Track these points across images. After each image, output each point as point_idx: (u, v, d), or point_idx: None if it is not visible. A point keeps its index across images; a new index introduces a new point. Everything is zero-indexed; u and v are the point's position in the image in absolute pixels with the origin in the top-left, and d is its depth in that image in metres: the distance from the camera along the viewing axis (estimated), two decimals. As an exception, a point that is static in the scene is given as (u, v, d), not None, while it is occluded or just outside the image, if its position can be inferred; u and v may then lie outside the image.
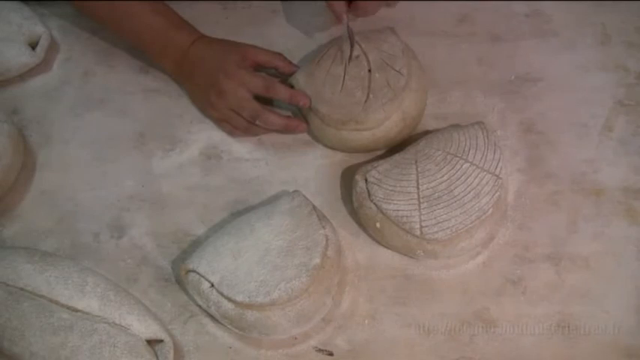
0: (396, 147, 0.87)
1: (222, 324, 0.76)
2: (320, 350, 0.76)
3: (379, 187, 0.79)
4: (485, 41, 0.97)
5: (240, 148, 0.89)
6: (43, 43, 0.94)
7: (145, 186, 0.87)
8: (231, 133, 0.90)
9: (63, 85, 0.95)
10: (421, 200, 0.78)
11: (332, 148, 0.89)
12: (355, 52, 0.87)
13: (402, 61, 0.86)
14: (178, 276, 0.79)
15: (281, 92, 0.86)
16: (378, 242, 0.82)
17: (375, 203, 0.79)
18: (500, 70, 0.95)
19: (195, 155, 0.89)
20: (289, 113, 0.91)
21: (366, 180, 0.81)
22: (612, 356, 0.75)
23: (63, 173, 0.88)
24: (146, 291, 0.79)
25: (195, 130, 0.91)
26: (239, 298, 0.72)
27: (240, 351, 0.76)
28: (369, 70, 0.86)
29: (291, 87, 0.89)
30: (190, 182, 0.87)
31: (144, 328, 0.72)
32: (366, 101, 0.84)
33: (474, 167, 0.79)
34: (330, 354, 0.76)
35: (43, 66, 0.95)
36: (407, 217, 0.77)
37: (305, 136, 0.90)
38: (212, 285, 0.73)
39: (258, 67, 0.88)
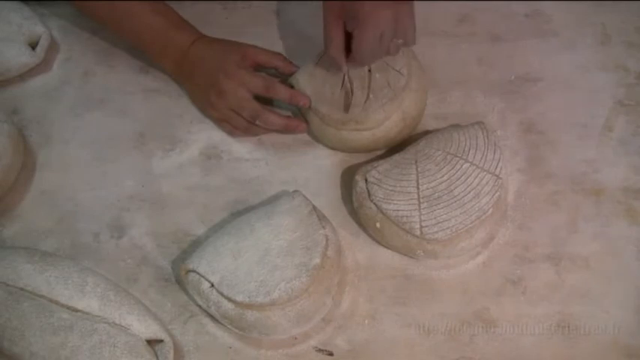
0: (396, 147, 0.87)
1: (222, 324, 0.76)
2: (320, 350, 0.76)
3: (379, 187, 0.79)
4: (485, 41, 0.97)
5: (240, 148, 0.89)
6: (43, 43, 0.94)
7: (145, 186, 0.87)
8: (231, 133, 0.90)
9: (63, 85, 0.95)
10: (421, 200, 0.78)
11: (332, 148, 0.89)
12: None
13: (402, 61, 0.86)
14: (178, 276, 0.79)
15: (281, 92, 0.86)
16: (378, 242, 0.82)
17: (375, 203, 0.79)
18: (500, 70, 0.95)
19: (195, 155, 0.89)
20: (289, 113, 0.91)
21: (366, 180, 0.81)
22: (612, 356, 0.75)
23: (63, 173, 0.88)
24: (146, 291, 0.79)
25: (195, 130, 0.91)
26: (239, 298, 0.72)
27: (240, 351, 0.76)
28: (369, 70, 0.85)
29: (291, 87, 0.89)
30: (190, 182, 0.87)
31: (144, 328, 0.72)
32: (366, 101, 0.84)
33: (474, 167, 0.79)
34: (330, 354, 0.76)
35: (43, 66, 0.95)
36: (407, 217, 0.77)
37: (305, 136, 0.90)
38: (212, 285, 0.73)
39: (258, 67, 0.88)
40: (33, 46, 0.94)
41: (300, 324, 0.74)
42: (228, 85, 0.85)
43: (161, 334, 0.73)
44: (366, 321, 0.78)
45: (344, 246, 0.80)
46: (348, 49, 0.80)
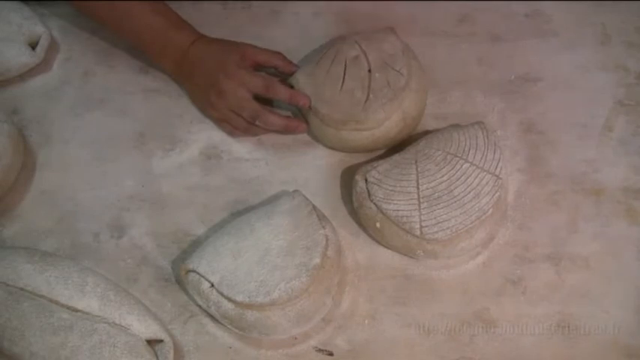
0: (396, 147, 0.87)
1: (222, 324, 0.76)
2: (320, 350, 0.76)
3: (379, 187, 0.79)
4: (485, 41, 0.97)
5: (240, 148, 0.89)
6: (43, 43, 0.94)
7: (145, 186, 0.87)
8: (231, 134, 0.90)
9: (63, 85, 0.95)
10: (421, 200, 0.78)
11: (332, 148, 0.89)
12: (355, 53, 0.87)
13: (402, 61, 0.86)
14: (178, 276, 0.79)
15: (281, 92, 0.86)
16: (378, 242, 0.82)
17: (375, 203, 0.79)
18: (500, 70, 0.95)
19: (195, 155, 0.89)
20: (289, 113, 0.91)
21: (366, 180, 0.81)
22: (612, 356, 0.75)
23: (63, 173, 0.88)
24: (146, 291, 0.79)
25: (195, 130, 0.91)
26: (239, 298, 0.72)
27: (240, 351, 0.76)
28: (369, 70, 0.85)
29: (291, 87, 0.89)
30: (190, 182, 0.87)
31: (144, 328, 0.72)
32: (366, 101, 0.84)
33: (474, 167, 0.79)
34: (330, 354, 0.76)
35: (43, 66, 0.95)
36: (407, 217, 0.77)
37: (305, 136, 0.90)
38: (212, 285, 0.73)
39: (257, 67, 0.88)
40: (33, 46, 0.94)
41: (300, 324, 0.74)
42: (228, 85, 0.85)
43: (161, 334, 0.73)
44: (366, 321, 0.78)
45: (344, 246, 0.80)
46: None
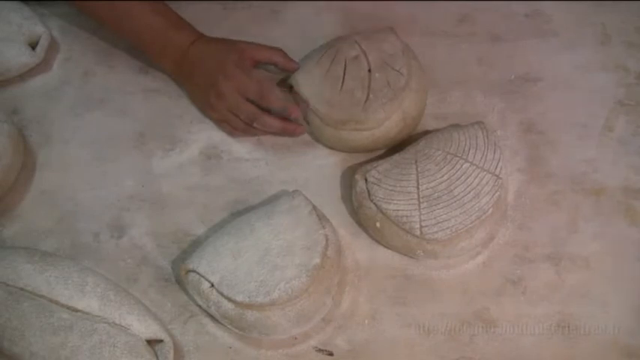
0: (396, 147, 0.87)
1: (222, 324, 0.76)
2: (320, 350, 0.76)
3: (379, 186, 0.79)
4: (485, 41, 0.97)
5: (240, 148, 0.89)
6: (43, 43, 0.94)
7: (145, 186, 0.87)
8: (230, 134, 0.90)
9: (63, 85, 0.95)
10: (421, 200, 0.78)
11: (332, 148, 0.89)
12: (354, 52, 0.87)
13: (402, 60, 0.86)
14: (178, 276, 0.79)
15: (274, 102, 0.86)
16: (378, 242, 0.82)
17: (375, 203, 0.79)
18: (500, 70, 0.95)
19: (195, 155, 0.89)
20: None
21: (366, 180, 0.81)
22: (612, 356, 0.75)
23: (63, 173, 0.88)
24: (146, 291, 0.79)
25: (195, 130, 0.91)
26: (239, 298, 0.72)
27: (240, 351, 0.76)
28: (369, 70, 0.86)
29: (291, 87, 0.89)
30: (190, 182, 0.87)
31: (144, 328, 0.72)
32: (366, 101, 0.84)
33: (474, 167, 0.79)
34: (330, 354, 0.76)
35: (43, 66, 0.95)
36: (407, 217, 0.77)
37: (305, 136, 0.90)
38: (212, 285, 0.73)
39: (258, 64, 0.88)
40: (33, 46, 0.94)
41: (300, 324, 0.74)
42: (227, 87, 0.85)
43: (161, 334, 0.73)
44: (366, 321, 0.78)
45: (344, 246, 0.80)
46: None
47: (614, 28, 0.98)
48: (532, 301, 0.78)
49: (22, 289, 0.72)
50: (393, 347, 0.76)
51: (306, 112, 0.87)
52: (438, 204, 0.77)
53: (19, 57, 0.92)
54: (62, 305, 0.71)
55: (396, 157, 0.83)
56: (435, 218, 0.77)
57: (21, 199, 0.86)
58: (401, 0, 0.94)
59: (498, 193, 0.78)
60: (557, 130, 0.90)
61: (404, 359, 0.75)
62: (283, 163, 0.88)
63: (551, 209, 0.84)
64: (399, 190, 0.79)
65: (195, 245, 0.81)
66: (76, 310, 0.71)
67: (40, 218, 0.85)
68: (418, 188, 0.79)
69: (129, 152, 0.89)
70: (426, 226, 0.77)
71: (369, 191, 0.80)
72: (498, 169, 0.79)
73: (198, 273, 0.74)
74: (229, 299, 0.72)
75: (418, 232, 0.77)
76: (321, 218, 0.77)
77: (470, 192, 0.78)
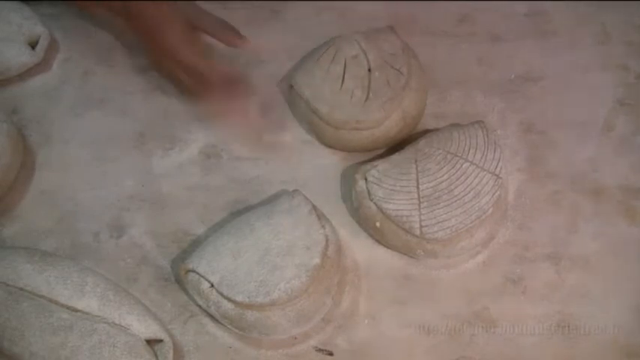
0: (396, 146, 0.86)
1: (222, 324, 0.76)
2: (320, 350, 0.76)
3: (379, 186, 0.79)
4: (485, 41, 0.97)
5: (240, 147, 0.89)
6: (43, 43, 0.94)
7: (145, 186, 0.87)
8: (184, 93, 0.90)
9: (63, 84, 0.95)
10: (421, 200, 0.78)
11: (332, 147, 0.89)
12: (354, 52, 0.87)
13: (401, 60, 0.86)
14: (178, 276, 0.79)
15: (217, 87, 0.84)
16: (378, 242, 0.82)
17: (374, 203, 0.79)
18: (500, 70, 0.95)
19: (195, 154, 0.89)
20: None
21: (365, 179, 0.81)
22: (612, 356, 0.75)
23: (63, 173, 0.88)
24: (146, 291, 0.79)
25: (194, 129, 0.91)
26: (239, 298, 0.72)
27: (240, 351, 0.76)
28: (369, 70, 0.86)
29: (291, 87, 0.89)
30: (190, 182, 0.87)
31: (144, 328, 0.72)
32: (365, 100, 0.84)
33: (474, 167, 0.79)
34: (330, 354, 0.76)
35: (42, 66, 0.95)
36: (407, 216, 0.77)
37: (305, 136, 0.90)
38: (212, 285, 0.73)
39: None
40: (33, 45, 0.93)
41: (300, 324, 0.74)
42: (169, 53, 0.84)
43: (161, 334, 0.73)
44: (366, 321, 0.77)
45: (344, 246, 0.80)
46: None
47: (614, 28, 0.98)
48: (532, 300, 0.78)
49: (21, 289, 0.72)
50: (393, 347, 0.76)
51: (306, 111, 0.87)
52: (438, 203, 0.77)
53: (19, 57, 0.92)
54: (62, 305, 0.71)
55: (396, 156, 0.83)
56: (435, 218, 0.77)
57: (20, 199, 0.86)
58: (401, 0, 0.94)
59: (498, 192, 0.78)
60: (557, 130, 0.90)
61: (404, 359, 0.75)
62: (283, 162, 0.88)
63: (551, 209, 0.84)
64: (399, 189, 0.79)
65: (195, 245, 0.81)
66: (76, 310, 0.71)
67: (40, 218, 0.85)
68: (418, 188, 0.79)
69: (129, 152, 0.89)
70: (426, 225, 0.77)
71: (368, 191, 0.80)
72: (498, 168, 0.79)
73: (197, 273, 0.74)
74: (229, 299, 0.72)
75: (418, 232, 0.77)
76: (321, 218, 0.77)
77: (470, 191, 0.78)
